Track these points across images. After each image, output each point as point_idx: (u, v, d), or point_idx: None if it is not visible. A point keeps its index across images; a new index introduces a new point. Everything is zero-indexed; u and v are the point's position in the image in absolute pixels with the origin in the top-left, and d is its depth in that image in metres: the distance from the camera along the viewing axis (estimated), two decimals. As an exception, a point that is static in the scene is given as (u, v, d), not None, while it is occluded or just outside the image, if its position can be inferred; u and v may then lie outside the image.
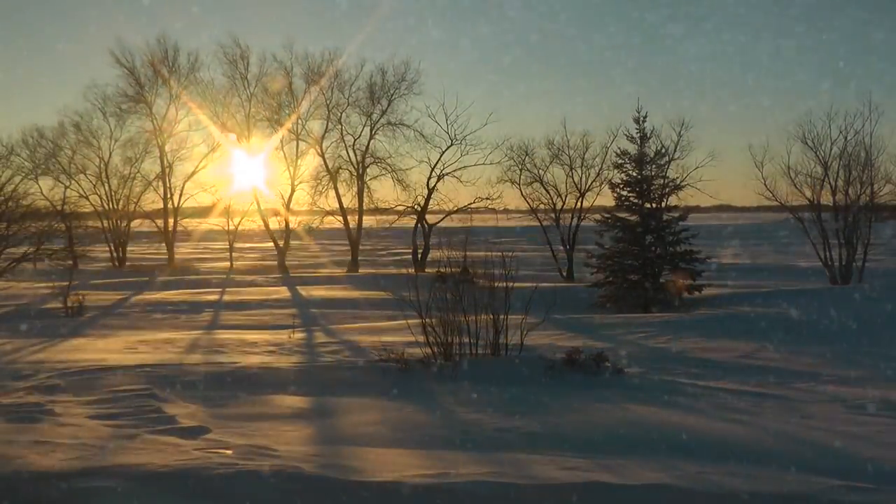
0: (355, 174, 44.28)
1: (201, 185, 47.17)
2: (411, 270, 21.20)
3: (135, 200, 48.47)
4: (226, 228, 48.54)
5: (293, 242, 47.16)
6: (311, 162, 45.49)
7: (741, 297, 26.51)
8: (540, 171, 43.06)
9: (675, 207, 31.55)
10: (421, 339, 12.84)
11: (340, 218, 44.81)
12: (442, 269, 15.87)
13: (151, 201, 49.06)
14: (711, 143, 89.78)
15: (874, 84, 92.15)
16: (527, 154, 42.91)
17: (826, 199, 34.59)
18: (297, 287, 32.44)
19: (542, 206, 42.91)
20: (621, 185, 31.17)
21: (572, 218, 41.93)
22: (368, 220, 46.45)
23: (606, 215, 31.87)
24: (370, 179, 44.71)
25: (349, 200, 44.57)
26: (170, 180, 47.63)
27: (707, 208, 56.44)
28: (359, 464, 7.27)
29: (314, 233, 47.10)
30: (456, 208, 42.98)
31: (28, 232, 28.11)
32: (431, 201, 43.50)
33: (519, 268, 13.76)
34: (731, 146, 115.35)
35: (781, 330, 18.20)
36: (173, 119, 46.51)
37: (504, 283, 13.23)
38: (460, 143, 42.73)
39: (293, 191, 44.84)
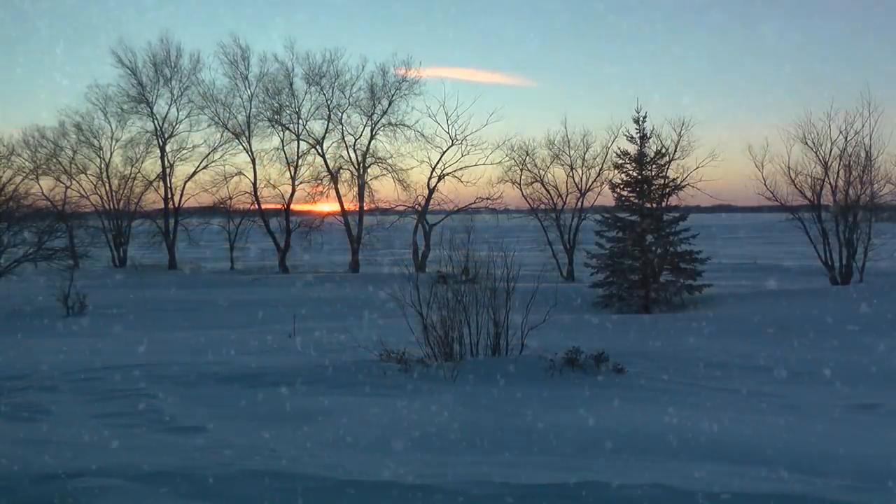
0: (356, 174, 44.31)
1: (202, 185, 47.22)
2: (412, 270, 21.21)
3: (135, 200, 48.47)
4: (227, 228, 48.55)
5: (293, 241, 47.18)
6: (311, 162, 45.62)
7: (741, 297, 26.53)
8: (540, 171, 43.12)
9: (676, 207, 31.59)
10: (421, 338, 12.83)
11: (341, 218, 44.86)
12: (442, 269, 15.87)
13: (152, 201, 49.10)
14: (711, 144, 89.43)
15: (874, 84, 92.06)
16: (527, 154, 42.98)
17: (826, 199, 34.63)
18: (297, 287, 32.42)
19: (542, 206, 42.94)
20: (621, 186, 31.21)
21: (573, 218, 41.91)
22: (369, 220, 46.46)
23: (607, 215, 31.91)
24: (371, 179, 44.80)
25: (350, 200, 44.69)
26: (170, 180, 47.71)
27: (707, 208, 56.35)
28: (358, 463, 7.26)
29: (314, 233, 47.05)
30: (456, 208, 43.00)
31: (29, 231, 28.17)
32: (432, 201, 43.51)
33: (519, 268, 13.75)
34: (732, 146, 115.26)
35: (781, 330, 18.20)
36: (174, 119, 46.59)
37: (504, 283, 13.23)
38: (461, 143, 42.81)
39: (294, 191, 44.97)
